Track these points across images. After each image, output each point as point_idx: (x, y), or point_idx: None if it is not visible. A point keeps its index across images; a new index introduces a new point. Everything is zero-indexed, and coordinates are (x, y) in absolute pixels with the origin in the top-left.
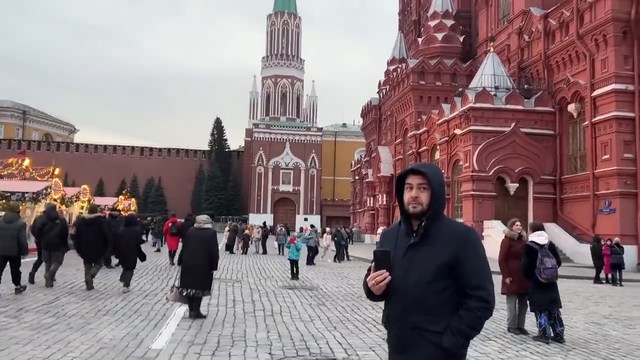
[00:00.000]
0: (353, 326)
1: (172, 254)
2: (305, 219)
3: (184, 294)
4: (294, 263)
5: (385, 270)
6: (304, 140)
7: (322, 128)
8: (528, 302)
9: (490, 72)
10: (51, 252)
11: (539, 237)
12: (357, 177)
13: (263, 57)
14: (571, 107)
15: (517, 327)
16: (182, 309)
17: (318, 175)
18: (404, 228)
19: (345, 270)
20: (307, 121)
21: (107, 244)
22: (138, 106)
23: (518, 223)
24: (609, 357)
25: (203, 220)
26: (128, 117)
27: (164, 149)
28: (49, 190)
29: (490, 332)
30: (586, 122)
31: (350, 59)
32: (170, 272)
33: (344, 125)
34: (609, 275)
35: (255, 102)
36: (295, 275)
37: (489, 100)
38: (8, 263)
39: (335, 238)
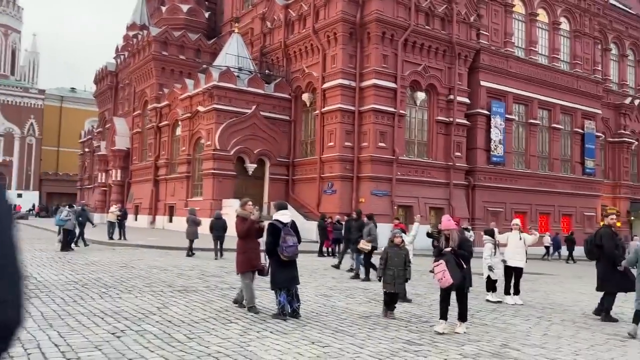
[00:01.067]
0: (75, 321)
1: None
2: (19, 195)
3: None
4: None
5: None
6: (19, 102)
7: (44, 90)
8: (270, 281)
9: (234, 53)
10: None
11: (282, 216)
12: (87, 150)
13: None
14: (305, 96)
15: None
16: None
17: (38, 145)
18: None
19: (69, 254)
20: (25, 81)
21: None
22: None
23: (250, 203)
24: (339, 328)
25: None
26: None
27: None
28: None
29: (230, 314)
30: (317, 112)
31: (86, 17)
32: None
33: (73, 89)
34: (329, 249)
35: None
36: None
37: (233, 80)
38: None
39: (80, 218)
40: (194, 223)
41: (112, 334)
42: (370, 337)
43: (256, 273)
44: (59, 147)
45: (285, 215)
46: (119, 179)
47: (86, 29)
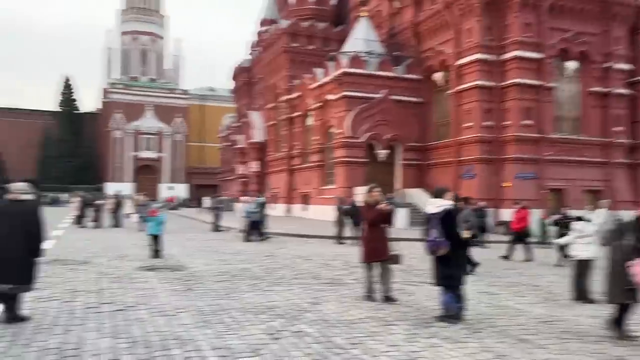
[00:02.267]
0: (230, 318)
1: None
2: (171, 188)
3: None
4: (155, 238)
5: None
6: (167, 103)
7: (188, 91)
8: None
9: (362, 37)
10: None
11: (431, 205)
12: (226, 144)
13: (120, 11)
14: (437, 76)
15: (384, 295)
16: None
17: (184, 141)
18: None
19: (216, 243)
20: (171, 83)
21: None
22: None
23: (377, 189)
24: (521, 337)
25: (19, 189)
26: None
27: (1, 108)
28: None
29: (388, 314)
30: (451, 91)
31: (222, 18)
32: None
33: (212, 89)
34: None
35: (112, 59)
36: (156, 252)
37: (362, 65)
38: None
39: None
40: (341, 211)
41: (269, 334)
42: (567, 351)
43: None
44: (203, 143)
45: (434, 205)
46: (256, 170)
47: (224, 30)
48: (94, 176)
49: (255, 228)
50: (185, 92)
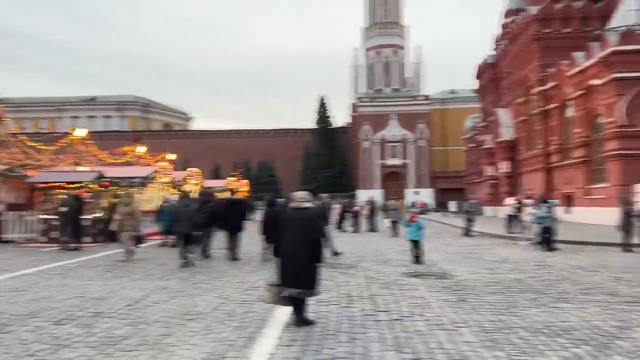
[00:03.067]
0: (519, 339)
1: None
2: (416, 193)
3: (283, 294)
4: (415, 244)
5: None
6: (410, 110)
7: (428, 96)
8: None
9: (635, 8)
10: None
11: None
12: (472, 145)
13: (363, 28)
14: None
15: None
16: (286, 311)
17: (427, 146)
18: None
19: (474, 249)
20: (413, 90)
21: (242, 222)
22: (244, 91)
23: None
24: None
25: (300, 197)
26: (236, 102)
27: (273, 130)
28: (155, 174)
29: None
30: None
31: (459, 17)
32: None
33: (452, 91)
34: None
35: (358, 75)
36: (417, 258)
37: (637, 40)
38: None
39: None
40: (629, 213)
41: None
42: None
43: None
44: (446, 147)
45: None
46: (506, 170)
47: (464, 30)
48: (347, 184)
49: (550, 236)
50: (426, 97)
